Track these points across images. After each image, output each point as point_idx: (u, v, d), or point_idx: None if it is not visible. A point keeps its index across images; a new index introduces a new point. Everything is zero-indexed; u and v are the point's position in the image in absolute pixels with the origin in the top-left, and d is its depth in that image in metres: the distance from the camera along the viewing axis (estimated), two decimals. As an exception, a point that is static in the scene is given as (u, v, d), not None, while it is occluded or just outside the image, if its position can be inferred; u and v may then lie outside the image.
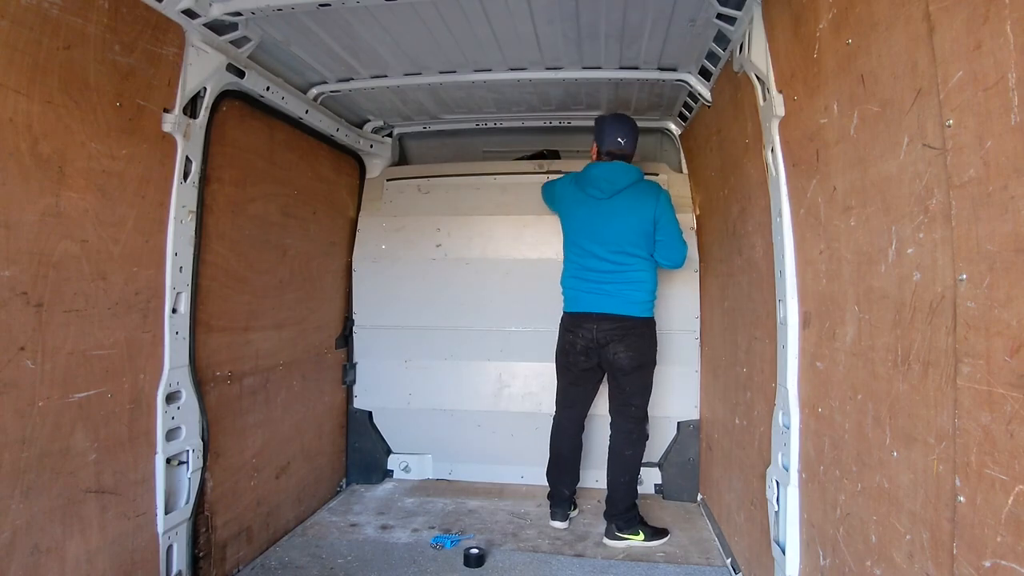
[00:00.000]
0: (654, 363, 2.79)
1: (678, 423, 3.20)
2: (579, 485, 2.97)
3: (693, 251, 3.15)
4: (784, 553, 1.71)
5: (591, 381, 2.87)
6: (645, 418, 2.80)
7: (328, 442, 3.23)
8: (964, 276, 0.94)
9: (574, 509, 2.98)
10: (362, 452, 3.45)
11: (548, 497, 2.92)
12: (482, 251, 3.36)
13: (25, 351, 1.48)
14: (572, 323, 2.79)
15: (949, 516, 0.98)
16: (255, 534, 2.51)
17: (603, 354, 2.72)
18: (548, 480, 2.92)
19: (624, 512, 2.71)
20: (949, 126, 0.97)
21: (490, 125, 3.41)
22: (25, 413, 1.48)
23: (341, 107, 3.03)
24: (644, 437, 2.81)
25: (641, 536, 2.69)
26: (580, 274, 2.78)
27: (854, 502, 1.34)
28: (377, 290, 3.40)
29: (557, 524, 2.85)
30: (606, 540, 2.71)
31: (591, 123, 3.34)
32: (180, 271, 1.99)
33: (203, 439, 2.11)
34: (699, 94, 2.64)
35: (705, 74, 2.56)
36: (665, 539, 2.72)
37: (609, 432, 2.86)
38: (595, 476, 3.28)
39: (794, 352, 1.70)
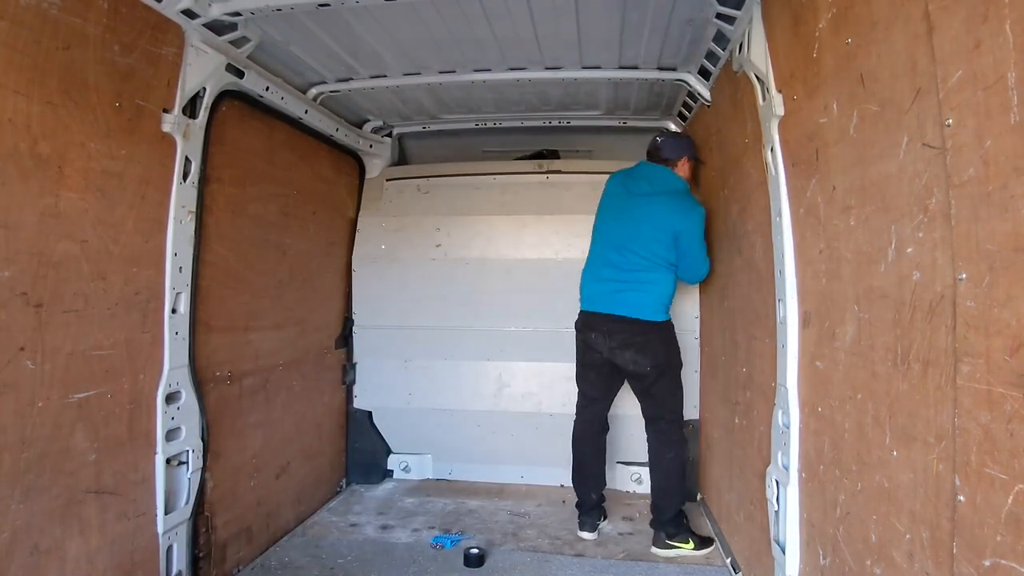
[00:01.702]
0: (678, 366, 2.72)
1: (678, 422, 3.20)
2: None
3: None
4: (784, 552, 1.71)
5: (606, 382, 2.78)
6: (678, 420, 2.72)
7: (328, 442, 3.23)
8: (964, 275, 0.94)
9: (603, 519, 2.88)
10: (362, 452, 3.45)
11: (576, 506, 2.84)
12: (482, 251, 3.36)
13: (25, 351, 1.48)
14: (584, 323, 2.73)
15: (949, 515, 0.98)
16: (255, 534, 2.51)
17: (617, 359, 2.64)
18: (574, 487, 2.85)
19: (673, 519, 2.62)
20: (948, 125, 0.97)
21: (490, 125, 3.40)
22: (25, 413, 1.48)
23: (341, 107, 3.03)
24: (682, 440, 2.72)
25: (691, 544, 2.60)
26: (599, 272, 2.70)
27: (854, 501, 1.34)
28: (377, 290, 3.40)
29: (585, 535, 2.76)
30: (654, 549, 2.61)
31: (590, 123, 3.36)
32: (180, 271, 1.99)
33: (203, 439, 2.11)
34: (698, 94, 2.64)
35: (704, 74, 2.56)
36: (712, 547, 2.63)
37: (629, 432, 2.86)
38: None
39: (794, 352, 1.70)
